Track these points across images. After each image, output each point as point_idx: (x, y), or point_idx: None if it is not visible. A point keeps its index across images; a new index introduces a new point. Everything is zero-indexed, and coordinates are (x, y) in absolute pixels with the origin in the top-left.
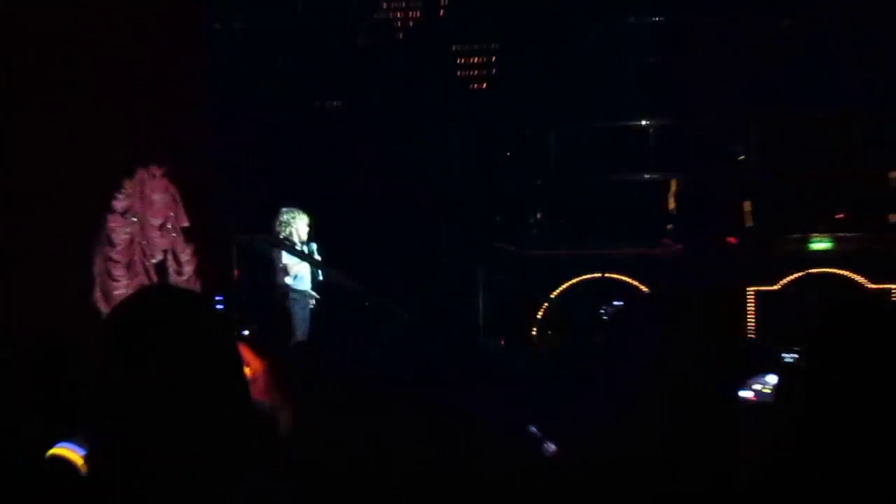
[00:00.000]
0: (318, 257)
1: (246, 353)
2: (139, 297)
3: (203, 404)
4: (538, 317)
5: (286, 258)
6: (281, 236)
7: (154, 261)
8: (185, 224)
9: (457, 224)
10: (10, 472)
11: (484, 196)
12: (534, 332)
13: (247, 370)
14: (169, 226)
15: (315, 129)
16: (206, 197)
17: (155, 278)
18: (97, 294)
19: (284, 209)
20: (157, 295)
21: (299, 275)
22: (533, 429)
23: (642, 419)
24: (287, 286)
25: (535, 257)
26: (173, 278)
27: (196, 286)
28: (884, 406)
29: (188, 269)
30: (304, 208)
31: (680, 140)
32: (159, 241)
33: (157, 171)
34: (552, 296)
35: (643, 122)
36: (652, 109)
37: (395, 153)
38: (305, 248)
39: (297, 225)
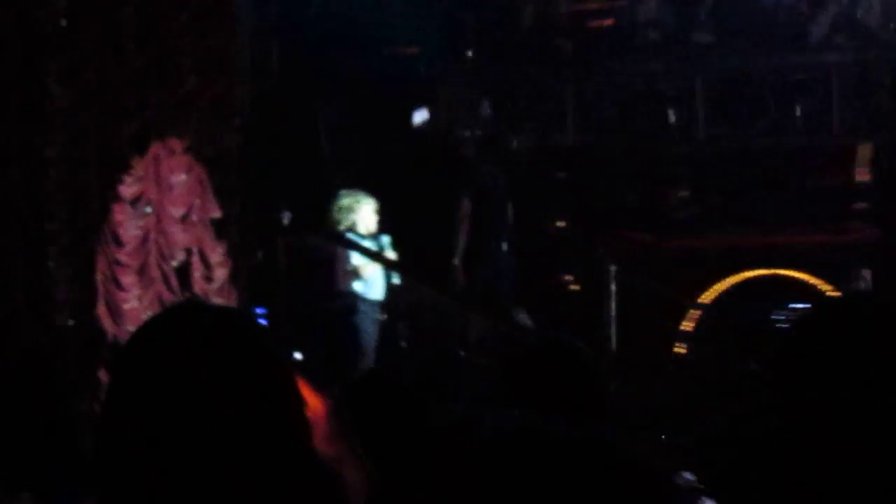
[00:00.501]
0: (390, 254)
1: (303, 388)
2: (165, 320)
3: (250, 459)
4: (684, 329)
5: (356, 258)
6: (340, 228)
7: (174, 263)
8: (216, 215)
9: (572, 207)
10: None
11: (608, 168)
12: (679, 350)
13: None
14: (194, 217)
15: (383, 87)
16: (242, 179)
17: (175, 286)
18: (100, 309)
19: (344, 192)
20: (188, 317)
21: (371, 279)
22: (687, 475)
23: (839, 469)
24: (357, 295)
25: (679, 249)
26: (201, 286)
27: (231, 297)
28: None
29: (220, 275)
30: (370, 192)
31: (875, 85)
32: (181, 238)
33: (178, 146)
34: (703, 301)
35: (825, 60)
36: (837, 41)
37: (486, 117)
38: (372, 244)
39: (362, 213)
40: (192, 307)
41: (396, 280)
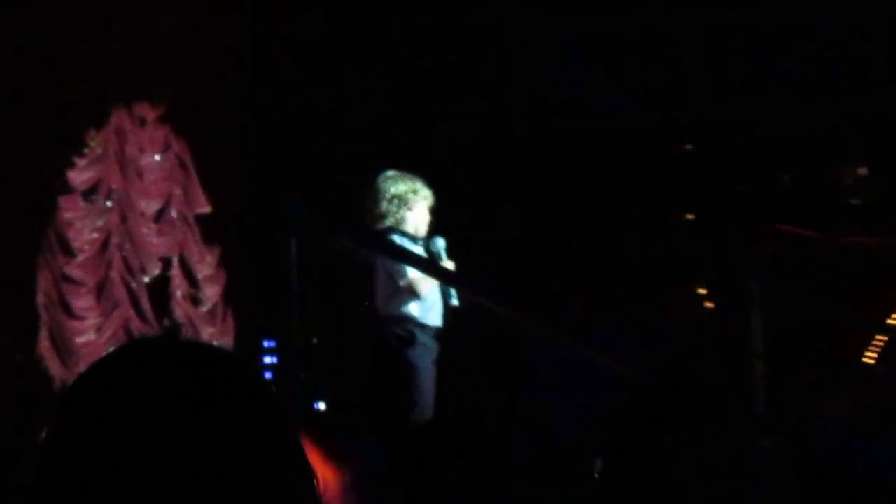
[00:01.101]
0: (447, 264)
1: (313, 455)
2: (120, 363)
3: None
4: (867, 359)
5: (411, 270)
6: (385, 224)
7: (147, 278)
8: (204, 210)
9: (702, 193)
10: None
11: (752, 139)
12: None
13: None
14: (173, 214)
15: (433, 33)
16: (241, 158)
17: (148, 311)
18: (43, 344)
19: (394, 175)
20: (153, 359)
21: (429, 299)
22: None
23: None
24: (411, 320)
25: (854, 249)
26: (184, 310)
27: (227, 325)
28: None
29: (211, 294)
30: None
31: None
32: (156, 243)
33: (150, 114)
34: (891, 322)
35: None
36: None
37: (576, 73)
38: (422, 250)
39: (418, 207)
40: (159, 344)
41: (456, 301)
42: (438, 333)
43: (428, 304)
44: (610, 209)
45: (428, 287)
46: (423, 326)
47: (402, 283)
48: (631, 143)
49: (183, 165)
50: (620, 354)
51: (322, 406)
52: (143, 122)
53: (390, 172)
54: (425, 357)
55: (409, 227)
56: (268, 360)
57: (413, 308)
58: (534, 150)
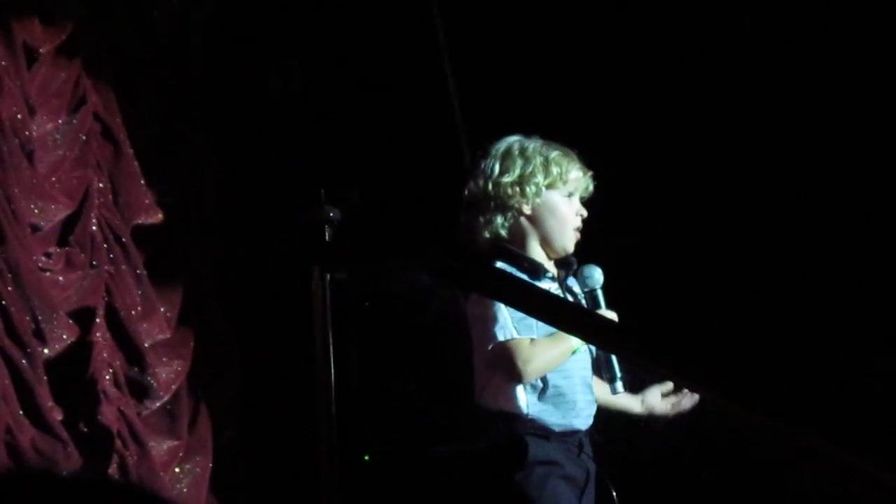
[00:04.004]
0: (607, 313)
1: None
2: None
3: None
4: None
5: (530, 323)
6: (490, 237)
7: (47, 350)
8: (151, 219)
9: None
10: None
11: None
12: None
13: None
14: (93, 227)
15: None
16: (216, 125)
17: (52, 414)
18: None
19: (516, 143)
20: None
21: (570, 380)
22: None
23: None
24: (532, 421)
25: None
26: (116, 408)
27: (198, 444)
28: None
29: (167, 376)
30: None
31: None
32: (62, 284)
33: (45, 42)
34: None
35: None
36: None
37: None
38: (576, 293)
39: (559, 203)
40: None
41: (621, 385)
42: (585, 443)
43: (567, 389)
44: None
45: (556, 354)
46: (548, 431)
47: (516, 359)
48: None
49: (109, 137)
50: None
51: None
52: (31, 58)
53: (511, 139)
54: (559, 489)
55: (556, 242)
56: None
57: (523, 402)
58: None
